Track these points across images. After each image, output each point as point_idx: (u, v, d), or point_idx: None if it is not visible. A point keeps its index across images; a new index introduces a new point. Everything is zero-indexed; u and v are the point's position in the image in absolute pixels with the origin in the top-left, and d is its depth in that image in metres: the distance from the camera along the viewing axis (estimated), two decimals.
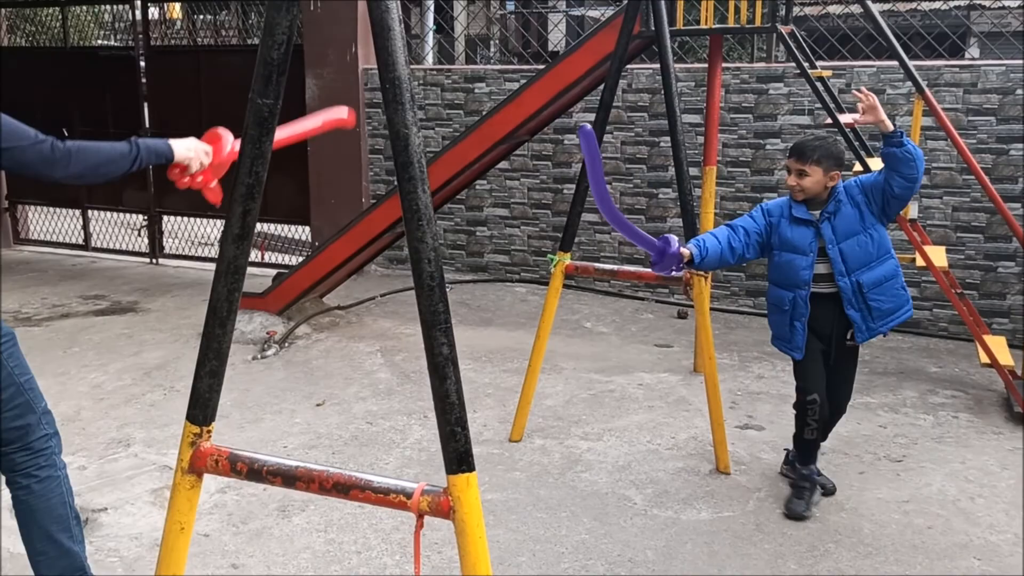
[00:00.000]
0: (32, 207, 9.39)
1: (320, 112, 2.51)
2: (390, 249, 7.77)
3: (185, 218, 8.73)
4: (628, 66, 7.02)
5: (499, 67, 7.64)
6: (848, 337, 3.57)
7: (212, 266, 8.29)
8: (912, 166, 3.33)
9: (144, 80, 8.40)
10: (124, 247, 8.86)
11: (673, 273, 3.38)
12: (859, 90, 3.47)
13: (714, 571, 3.23)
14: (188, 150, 2.41)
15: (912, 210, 4.65)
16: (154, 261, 8.63)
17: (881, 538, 3.46)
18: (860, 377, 5.22)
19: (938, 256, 4.73)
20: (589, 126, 2.47)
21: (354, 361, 5.52)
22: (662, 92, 6.65)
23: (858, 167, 4.75)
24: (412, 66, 7.63)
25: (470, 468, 1.74)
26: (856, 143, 5.03)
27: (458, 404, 1.72)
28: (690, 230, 4.02)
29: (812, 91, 4.77)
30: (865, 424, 4.57)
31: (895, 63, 5.53)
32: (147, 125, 8.42)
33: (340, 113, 2.50)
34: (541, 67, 6.29)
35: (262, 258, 8.39)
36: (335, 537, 3.45)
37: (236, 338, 5.89)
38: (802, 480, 3.70)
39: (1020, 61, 5.85)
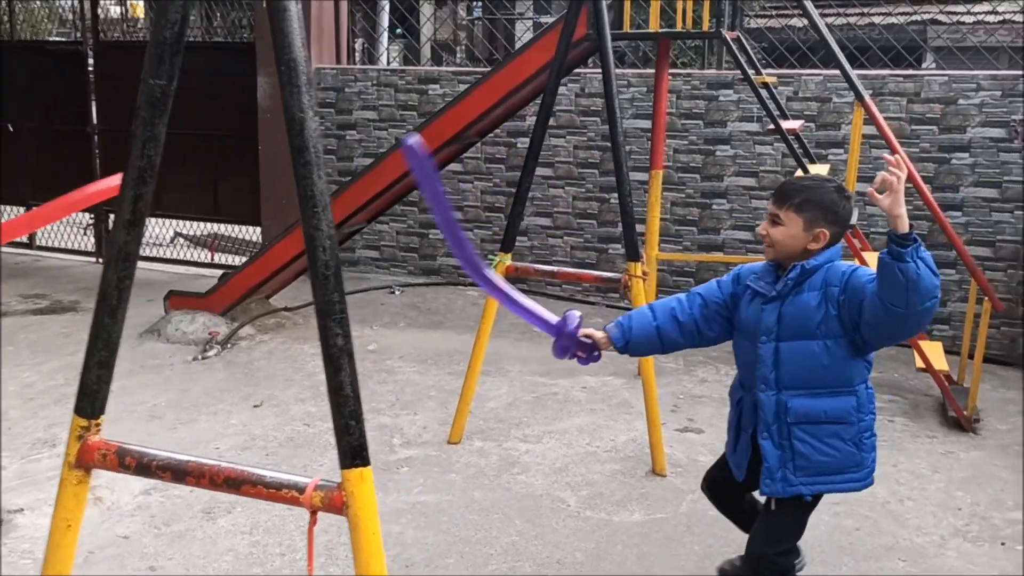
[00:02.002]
0: None
1: (96, 183, 2.53)
2: (342, 252, 7.71)
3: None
4: (582, 70, 7.04)
5: (453, 69, 7.61)
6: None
7: (160, 267, 8.23)
8: (901, 294, 2.20)
9: (92, 76, 8.25)
10: (71, 246, 8.70)
11: (581, 360, 2.53)
12: (891, 158, 2.28)
13: (642, 572, 3.22)
14: None
15: (852, 216, 4.67)
16: (100, 260, 8.47)
17: (809, 540, 3.44)
18: None
19: (876, 262, 4.76)
20: (413, 139, 1.72)
21: (297, 362, 5.45)
22: None
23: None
24: (366, 67, 7.59)
25: (364, 463, 1.71)
26: (799, 151, 5.08)
27: (352, 397, 1.69)
28: (630, 231, 4.01)
29: (756, 97, 4.80)
30: None
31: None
32: (95, 122, 8.27)
33: (113, 182, 2.51)
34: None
35: (212, 258, 8.28)
36: (260, 539, 3.38)
37: (177, 338, 5.82)
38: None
39: (963, 72, 5.95)
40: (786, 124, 4.79)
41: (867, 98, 4.59)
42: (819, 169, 5.08)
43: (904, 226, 2.20)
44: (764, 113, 6.18)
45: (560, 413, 4.72)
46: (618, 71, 7.05)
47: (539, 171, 7.07)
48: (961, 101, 5.83)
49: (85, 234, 8.65)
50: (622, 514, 3.66)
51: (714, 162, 6.52)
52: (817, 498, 2.58)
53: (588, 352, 2.53)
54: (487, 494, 3.80)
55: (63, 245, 8.74)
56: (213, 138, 7.79)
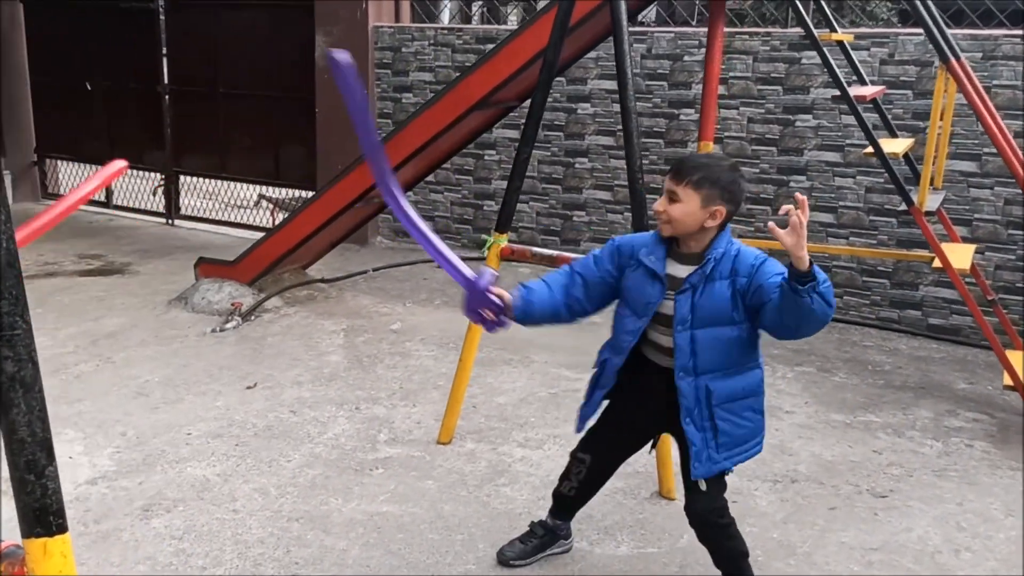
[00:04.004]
0: (62, 162, 9.30)
1: (97, 174, 2.29)
2: (394, 221, 7.35)
3: (213, 180, 8.45)
4: (649, 28, 6.38)
5: (513, 28, 7.05)
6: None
7: (226, 230, 8.09)
8: (793, 320, 2.32)
9: (164, 35, 8.13)
10: (147, 207, 8.68)
11: (488, 326, 2.49)
12: (800, 197, 2.28)
13: None
14: None
15: (930, 201, 3.92)
16: (170, 222, 8.43)
17: None
18: (869, 390, 4.58)
19: (961, 256, 4.00)
20: (342, 54, 1.63)
21: (311, 340, 5.11)
22: (683, 59, 6.05)
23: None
24: (424, 25, 7.14)
25: (49, 531, 1.27)
26: (878, 115, 4.32)
27: (32, 441, 1.25)
28: (639, 210, 3.43)
29: (820, 58, 4.08)
30: (857, 447, 3.91)
31: (953, 31, 4.76)
32: (166, 81, 8.18)
33: (116, 167, 2.28)
34: None
35: (274, 221, 8.08)
36: (188, 547, 3.04)
37: (202, 308, 5.59)
38: (538, 527, 3.05)
39: None
40: (857, 91, 4.06)
41: (953, 60, 3.79)
42: (900, 145, 4.32)
43: (804, 264, 2.23)
44: (854, 78, 5.40)
45: (573, 414, 4.18)
46: (689, 30, 6.35)
47: (600, 140, 6.49)
48: None
49: (154, 195, 8.62)
50: (607, 545, 3.13)
51: (793, 133, 5.76)
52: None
53: (497, 314, 2.47)
54: (459, 508, 3.34)
55: (138, 205, 8.73)
56: (272, 100, 7.58)
